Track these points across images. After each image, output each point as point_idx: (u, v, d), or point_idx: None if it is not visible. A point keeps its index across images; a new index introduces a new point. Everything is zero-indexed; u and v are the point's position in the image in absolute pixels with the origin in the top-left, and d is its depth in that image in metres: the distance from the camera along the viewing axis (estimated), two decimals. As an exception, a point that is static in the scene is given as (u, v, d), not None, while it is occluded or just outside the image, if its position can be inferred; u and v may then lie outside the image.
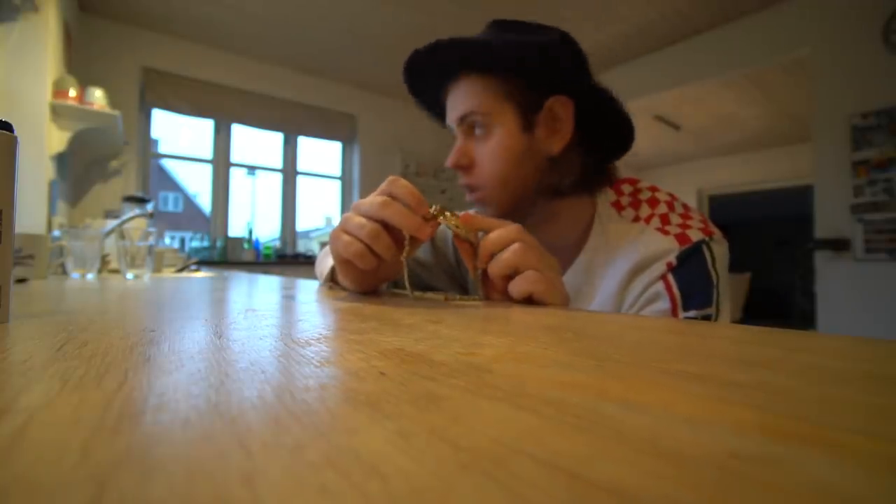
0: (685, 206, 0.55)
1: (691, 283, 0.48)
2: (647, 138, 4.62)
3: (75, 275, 0.88)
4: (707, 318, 0.47)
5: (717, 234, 0.52)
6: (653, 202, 0.55)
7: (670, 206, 0.54)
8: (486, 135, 0.55)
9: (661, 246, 0.50)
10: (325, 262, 0.61)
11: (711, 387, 0.13)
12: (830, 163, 2.37)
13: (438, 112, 0.67)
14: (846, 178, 2.30)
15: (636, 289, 0.50)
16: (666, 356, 0.17)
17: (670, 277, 0.49)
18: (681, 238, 0.50)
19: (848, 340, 0.21)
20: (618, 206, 0.56)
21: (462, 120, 0.56)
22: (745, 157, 5.16)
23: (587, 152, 0.58)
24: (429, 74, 0.60)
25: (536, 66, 0.53)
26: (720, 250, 0.51)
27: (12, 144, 0.25)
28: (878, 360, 0.17)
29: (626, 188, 0.58)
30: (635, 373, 0.15)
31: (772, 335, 0.23)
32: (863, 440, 0.09)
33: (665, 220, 0.53)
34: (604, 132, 0.58)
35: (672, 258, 0.49)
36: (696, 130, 4.48)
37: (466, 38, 0.54)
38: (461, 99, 0.56)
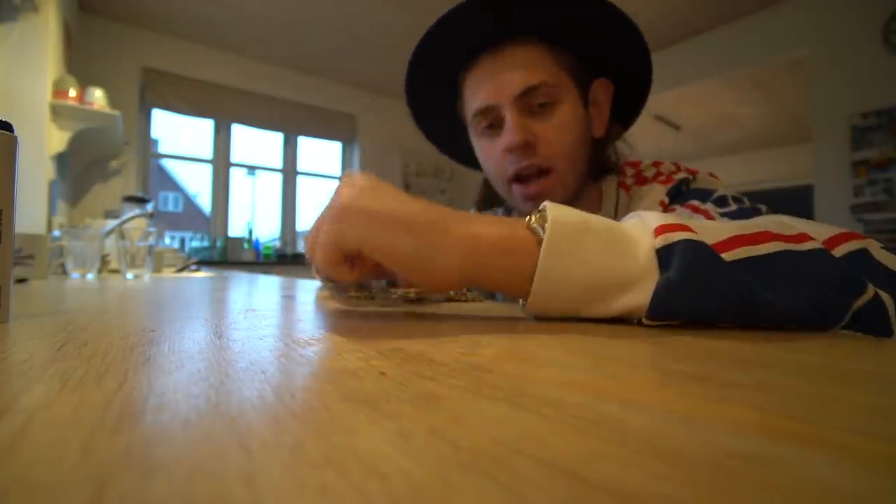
0: (689, 169, 0.54)
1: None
2: (647, 138, 4.61)
3: (75, 275, 0.88)
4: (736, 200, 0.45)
5: (702, 173, 0.51)
6: (657, 175, 0.54)
7: (677, 167, 0.53)
8: (550, 110, 0.49)
9: (654, 194, 0.49)
10: None
11: (711, 387, 0.13)
12: (830, 163, 2.36)
13: (435, 98, 0.59)
14: (846, 178, 2.30)
15: None
16: (666, 356, 0.17)
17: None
18: (667, 180, 0.50)
19: (848, 340, 0.21)
20: (624, 187, 0.55)
21: (528, 92, 0.49)
22: (745, 157, 5.15)
23: (614, 133, 0.58)
24: (456, 43, 0.51)
25: (613, 39, 0.51)
26: (709, 180, 0.50)
27: (12, 144, 0.25)
28: (878, 360, 0.17)
29: (630, 170, 0.56)
30: (635, 373, 0.15)
31: (772, 335, 0.23)
32: (863, 440, 0.09)
33: (669, 178, 0.51)
34: (630, 112, 0.58)
35: (663, 197, 0.48)
36: (696, 130, 4.48)
37: None
38: (524, 68, 0.49)
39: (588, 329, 0.25)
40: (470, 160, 0.62)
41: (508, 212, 0.65)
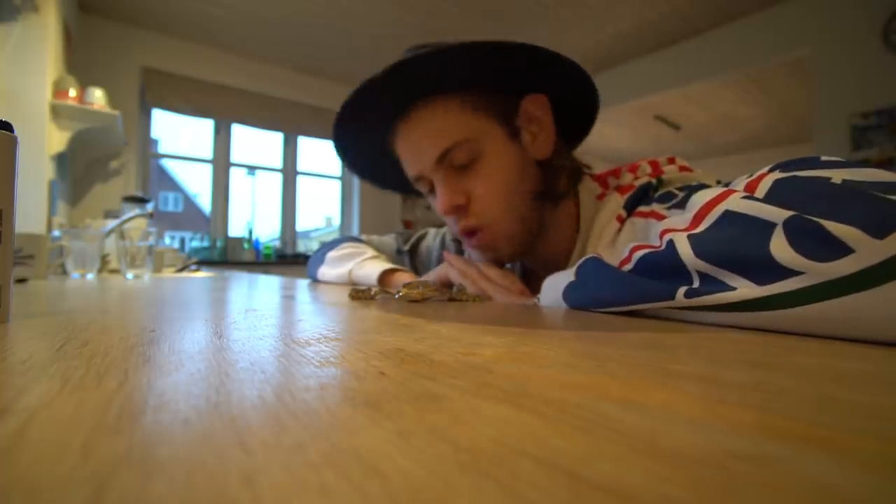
0: (657, 169, 0.48)
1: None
2: (647, 138, 4.61)
3: (75, 275, 0.88)
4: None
5: (672, 169, 0.46)
6: (627, 187, 0.48)
7: (652, 167, 0.48)
8: (475, 163, 0.48)
9: (612, 208, 0.46)
10: (367, 267, 0.63)
11: (711, 387, 0.13)
12: (830, 163, 2.36)
13: (369, 169, 0.60)
14: (846, 178, 2.30)
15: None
16: (666, 356, 0.17)
17: (623, 231, 0.43)
18: (625, 189, 0.46)
19: (848, 341, 0.21)
20: (602, 199, 0.50)
21: (444, 156, 0.48)
22: (745, 157, 5.15)
23: (569, 144, 0.54)
24: (369, 119, 0.51)
25: (515, 64, 0.46)
26: (678, 175, 0.45)
27: (12, 144, 0.25)
28: (878, 360, 0.17)
29: (612, 181, 0.52)
30: (635, 373, 0.15)
31: (772, 335, 0.23)
32: (863, 440, 0.09)
33: (629, 186, 0.47)
34: (579, 115, 0.54)
35: (620, 210, 0.44)
36: (696, 130, 4.48)
37: (439, 49, 0.44)
38: (434, 132, 0.48)
39: (588, 329, 0.25)
40: None
41: None
